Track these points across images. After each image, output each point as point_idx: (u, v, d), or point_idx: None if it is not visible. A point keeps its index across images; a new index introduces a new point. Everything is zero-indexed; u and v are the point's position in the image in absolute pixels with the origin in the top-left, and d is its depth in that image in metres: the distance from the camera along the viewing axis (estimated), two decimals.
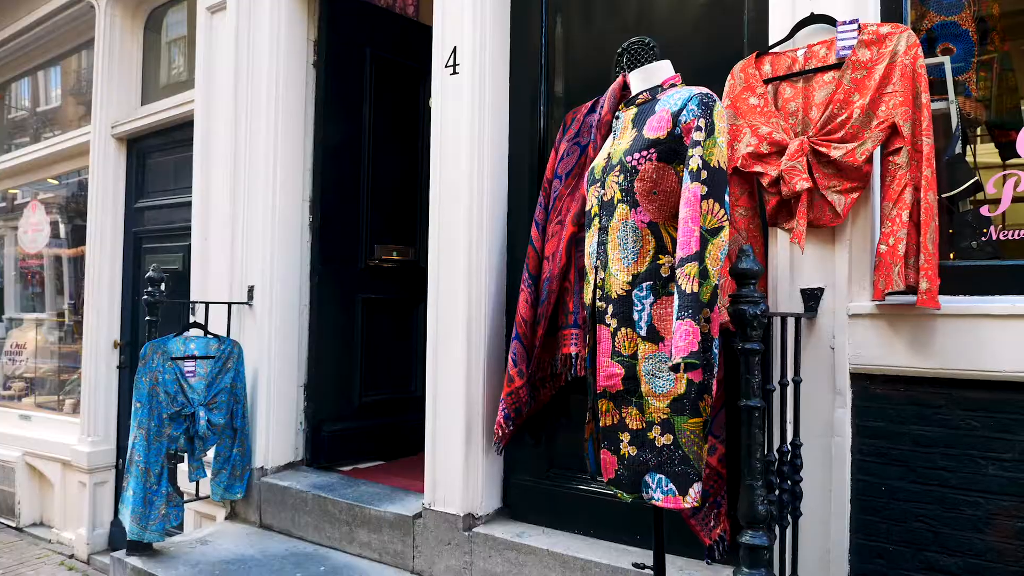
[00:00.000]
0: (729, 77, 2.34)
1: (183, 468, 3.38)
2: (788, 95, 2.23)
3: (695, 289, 1.75)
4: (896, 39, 2.04)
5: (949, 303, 2.00)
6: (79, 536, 4.92)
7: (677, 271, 1.80)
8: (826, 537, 2.15)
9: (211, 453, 3.53)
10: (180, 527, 3.47)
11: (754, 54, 2.31)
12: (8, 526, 5.53)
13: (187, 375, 3.32)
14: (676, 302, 1.79)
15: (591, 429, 2.17)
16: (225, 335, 3.64)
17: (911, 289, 1.99)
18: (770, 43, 2.32)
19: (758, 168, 2.20)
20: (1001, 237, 2.15)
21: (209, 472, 3.52)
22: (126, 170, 5.05)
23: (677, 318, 1.76)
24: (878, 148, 2.07)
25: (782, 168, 2.11)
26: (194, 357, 3.37)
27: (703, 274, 1.76)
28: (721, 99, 2.32)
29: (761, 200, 2.28)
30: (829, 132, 2.09)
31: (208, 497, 3.61)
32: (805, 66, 2.21)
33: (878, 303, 2.09)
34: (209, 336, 3.49)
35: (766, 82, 2.26)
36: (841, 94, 2.08)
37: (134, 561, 3.14)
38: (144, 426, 3.14)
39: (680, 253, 1.79)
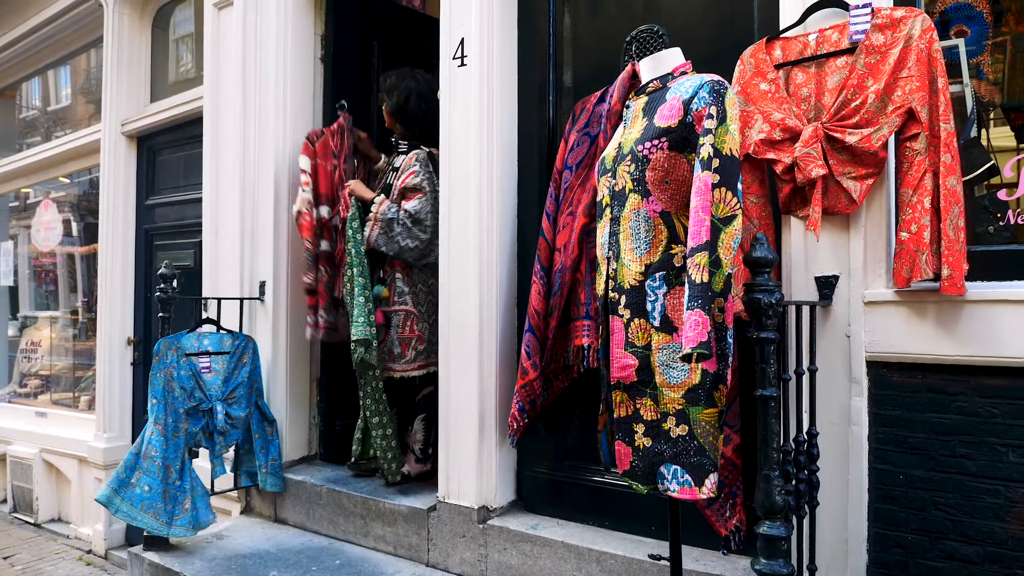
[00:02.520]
0: (739, 62, 2.31)
1: (206, 467, 3.39)
2: (800, 80, 2.21)
3: (705, 279, 1.73)
4: (911, 23, 2.00)
5: (967, 289, 1.97)
6: (96, 532, 4.96)
7: (688, 261, 1.78)
8: (844, 527, 2.14)
9: (233, 450, 3.54)
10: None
11: (764, 39, 2.28)
12: (27, 522, 5.59)
13: (202, 371, 3.33)
14: (686, 292, 1.77)
15: (605, 420, 2.16)
16: (238, 330, 3.65)
17: (935, 276, 1.98)
18: (780, 28, 2.29)
19: (771, 155, 2.17)
20: (1019, 222, 2.12)
21: (228, 467, 3.56)
22: (137, 167, 5.06)
23: (687, 308, 1.75)
24: (893, 134, 2.04)
25: (796, 155, 2.09)
26: (208, 353, 3.38)
27: (715, 263, 1.75)
28: (731, 85, 2.31)
29: (773, 187, 2.26)
30: (843, 118, 2.06)
31: (223, 492, 3.63)
32: (817, 51, 2.18)
33: (897, 290, 2.06)
34: (222, 332, 3.50)
35: (777, 67, 2.24)
36: (855, 79, 2.05)
37: (151, 556, 3.16)
38: (160, 422, 3.15)
39: (691, 243, 1.78)
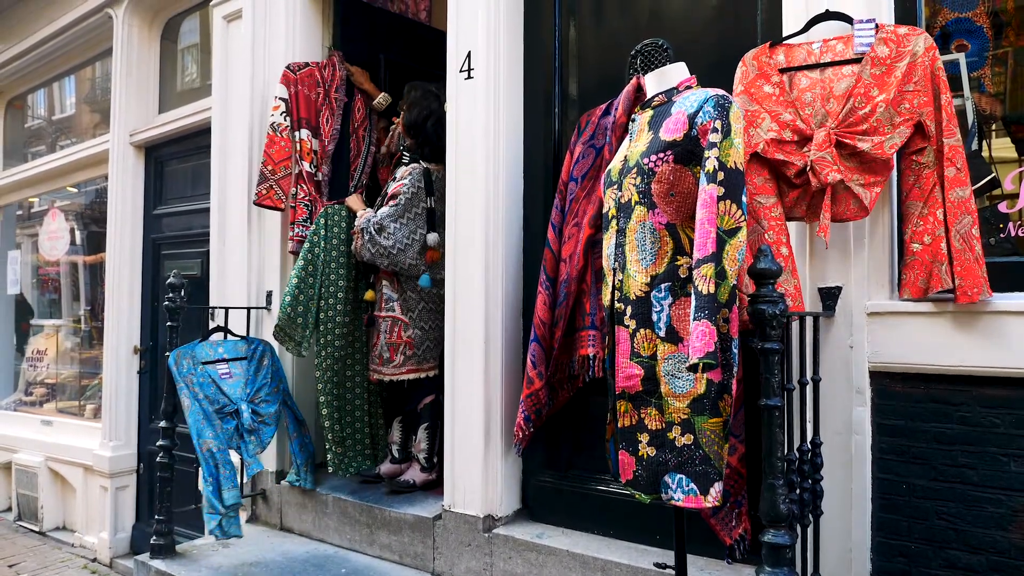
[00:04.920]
0: (740, 64, 2.32)
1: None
2: (804, 85, 2.22)
3: (711, 290, 1.76)
4: (914, 40, 2.04)
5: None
6: (101, 540, 4.98)
7: (694, 272, 1.80)
8: (847, 536, 2.15)
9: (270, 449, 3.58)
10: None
11: (767, 43, 2.30)
12: (32, 530, 5.60)
13: (223, 377, 3.35)
14: (693, 303, 1.79)
15: (612, 430, 2.18)
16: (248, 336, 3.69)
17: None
18: (783, 36, 2.32)
19: (780, 156, 2.18)
20: (1020, 234, 2.14)
21: (260, 469, 3.57)
22: (144, 177, 5.11)
23: (694, 319, 1.77)
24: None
25: (812, 159, 2.10)
26: (225, 360, 3.40)
27: (720, 275, 1.77)
28: (733, 87, 2.33)
29: (779, 189, 2.27)
30: (851, 125, 2.08)
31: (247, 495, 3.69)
32: (821, 58, 2.19)
33: (900, 300, 2.09)
34: (235, 338, 3.53)
35: (781, 71, 2.25)
36: (862, 88, 2.07)
37: (157, 564, 3.17)
38: (202, 416, 3.16)
39: (697, 254, 1.80)
